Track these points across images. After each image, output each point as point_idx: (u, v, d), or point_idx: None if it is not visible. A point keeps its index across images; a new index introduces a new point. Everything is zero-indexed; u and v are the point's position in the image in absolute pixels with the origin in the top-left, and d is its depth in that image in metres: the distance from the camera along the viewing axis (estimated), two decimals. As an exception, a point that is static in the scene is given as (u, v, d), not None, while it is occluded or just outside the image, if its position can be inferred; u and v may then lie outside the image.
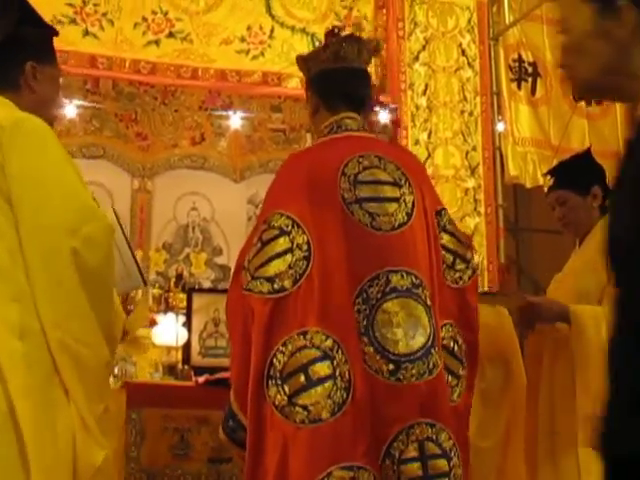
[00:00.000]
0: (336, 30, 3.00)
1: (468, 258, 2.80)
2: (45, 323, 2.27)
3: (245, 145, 9.09)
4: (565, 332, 3.47)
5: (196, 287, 7.21)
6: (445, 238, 2.77)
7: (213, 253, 8.73)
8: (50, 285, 2.29)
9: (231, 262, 8.78)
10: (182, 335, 4.43)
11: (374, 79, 6.46)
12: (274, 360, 2.47)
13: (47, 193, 2.34)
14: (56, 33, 2.72)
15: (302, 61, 3.00)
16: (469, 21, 7.85)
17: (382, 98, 7.35)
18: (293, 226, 2.58)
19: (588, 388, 3.40)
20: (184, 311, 5.03)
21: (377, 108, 3.12)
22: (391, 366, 2.49)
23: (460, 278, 2.75)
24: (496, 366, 3.99)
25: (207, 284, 8.37)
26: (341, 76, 2.90)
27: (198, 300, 4.63)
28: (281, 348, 2.47)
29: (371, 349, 2.49)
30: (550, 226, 6.56)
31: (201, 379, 4.01)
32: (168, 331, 5.28)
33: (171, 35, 7.02)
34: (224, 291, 5.42)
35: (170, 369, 4.54)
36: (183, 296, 6.31)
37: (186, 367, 4.32)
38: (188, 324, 4.57)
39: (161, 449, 3.94)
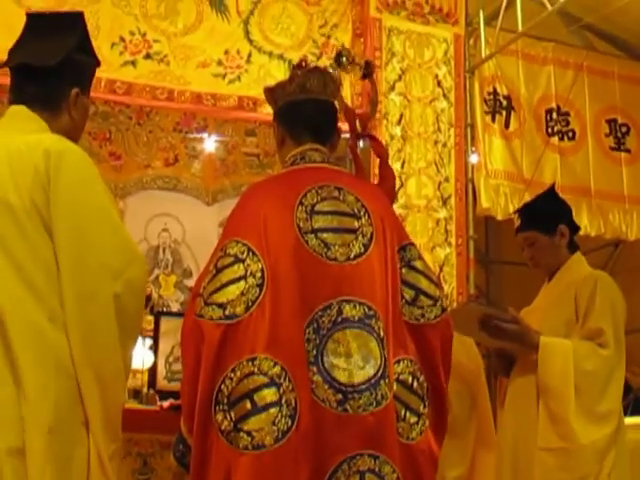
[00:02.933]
0: (304, 63, 3.02)
1: (437, 296, 2.77)
2: (76, 357, 2.26)
3: (219, 168, 9.12)
4: (533, 361, 3.49)
5: (164, 310, 7.17)
6: (407, 273, 2.75)
7: (183, 275, 8.72)
8: (87, 324, 2.28)
9: (200, 284, 8.76)
10: (148, 358, 4.39)
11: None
12: (222, 386, 2.47)
13: (91, 229, 2.35)
14: (99, 64, 2.75)
15: (269, 93, 3.03)
16: (445, 53, 7.89)
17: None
18: (248, 253, 2.59)
19: (549, 420, 3.42)
20: (151, 334, 5.00)
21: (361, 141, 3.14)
22: (339, 396, 2.49)
23: (422, 315, 2.71)
24: (462, 397, 3.99)
25: (176, 306, 8.35)
26: (306, 108, 2.92)
27: (166, 324, 4.61)
28: (230, 374, 2.48)
29: (320, 378, 2.49)
30: (520, 258, 6.59)
31: (166, 404, 3.98)
32: (134, 354, 5.22)
33: (148, 56, 6.99)
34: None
35: (135, 393, 4.51)
36: (151, 318, 6.27)
37: (151, 391, 4.29)
38: (155, 348, 4.54)
39: (124, 474, 3.91)
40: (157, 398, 4.21)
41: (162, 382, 4.40)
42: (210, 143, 8.95)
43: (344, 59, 3.00)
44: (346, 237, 2.66)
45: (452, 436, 3.24)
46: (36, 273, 2.27)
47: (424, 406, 2.66)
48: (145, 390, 4.33)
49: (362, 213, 2.72)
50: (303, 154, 2.86)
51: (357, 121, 3.11)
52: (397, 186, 7.30)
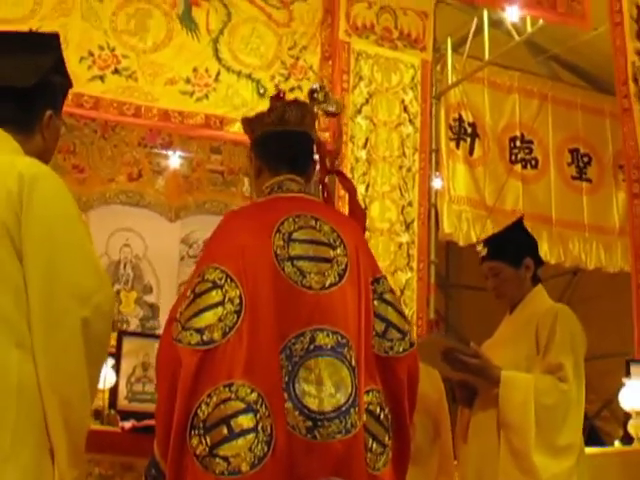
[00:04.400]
0: (281, 94, 3.04)
1: (406, 330, 2.78)
2: (42, 383, 2.23)
3: (182, 185, 9.08)
4: (494, 395, 3.51)
5: (124, 326, 7.13)
6: (379, 306, 2.77)
7: (143, 291, 8.68)
8: (54, 350, 2.25)
9: (161, 301, 8.74)
10: (110, 378, 4.37)
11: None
12: (198, 411, 2.46)
13: (63, 253, 2.31)
14: (72, 85, 2.73)
15: (246, 123, 3.03)
16: (413, 79, 7.95)
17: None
18: (226, 280, 2.60)
19: (511, 454, 3.44)
20: (113, 352, 4.97)
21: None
22: (308, 423, 2.49)
23: (391, 348, 2.71)
24: (426, 427, 4.01)
25: (135, 322, 8.32)
26: (284, 139, 2.93)
27: (128, 344, 4.59)
28: (206, 399, 2.47)
29: (290, 405, 2.50)
30: (479, 283, 6.63)
31: (127, 425, 3.96)
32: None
33: (116, 71, 6.98)
34: (155, 336, 5.40)
35: (96, 413, 4.47)
36: (113, 335, 6.24)
37: (112, 412, 4.27)
38: (117, 367, 4.52)
39: (84, 494, 3.88)
40: (118, 418, 4.20)
41: (123, 402, 4.38)
42: (175, 159, 8.92)
43: (319, 95, 3.02)
44: (321, 266, 2.68)
45: (415, 464, 3.26)
46: (5, 297, 2.25)
47: (388, 437, 2.67)
48: (106, 411, 4.31)
49: (337, 243, 2.74)
50: (280, 184, 2.88)
51: (327, 157, 3.13)
52: (361, 209, 7.32)
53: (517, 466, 3.42)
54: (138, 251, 8.86)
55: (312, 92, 3.06)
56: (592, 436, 7.93)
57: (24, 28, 6.57)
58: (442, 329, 8.55)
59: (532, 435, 3.41)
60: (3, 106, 2.52)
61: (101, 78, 6.95)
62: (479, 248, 3.94)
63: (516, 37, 7.58)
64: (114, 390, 4.45)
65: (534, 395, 3.45)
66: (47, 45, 2.65)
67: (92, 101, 6.88)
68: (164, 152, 8.91)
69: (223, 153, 9.16)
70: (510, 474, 3.42)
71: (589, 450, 4.43)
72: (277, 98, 3.00)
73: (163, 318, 8.68)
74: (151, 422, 3.95)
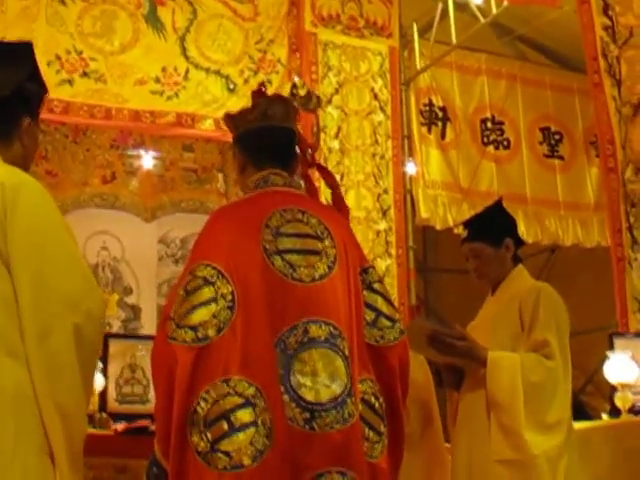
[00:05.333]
0: (263, 89, 3.05)
1: (395, 318, 2.81)
2: (38, 391, 2.25)
3: (157, 184, 9.09)
4: (482, 376, 3.54)
5: (107, 329, 7.11)
6: (368, 295, 2.79)
7: (124, 293, 8.67)
8: (47, 357, 2.26)
9: (141, 302, 8.74)
10: (99, 381, 4.37)
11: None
12: (197, 407, 2.48)
13: (50, 261, 2.32)
14: (47, 93, 2.73)
15: (229, 119, 3.04)
16: (381, 66, 7.96)
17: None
18: (218, 276, 2.62)
19: (501, 433, 3.47)
20: (99, 356, 4.96)
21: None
22: (306, 414, 2.52)
23: (382, 337, 2.75)
24: (416, 411, 4.03)
25: (117, 324, 8.31)
26: (268, 134, 2.95)
27: (114, 346, 4.58)
28: (204, 395, 2.49)
29: (287, 397, 2.52)
30: (457, 266, 6.67)
31: (120, 427, 3.96)
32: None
33: (85, 74, 6.94)
34: (141, 337, 5.41)
35: (88, 417, 4.46)
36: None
37: (104, 415, 4.27)
38: (104, 370, 4.52)
39: (79, 499, 3.87)
40: (110, 421, 4.20)
41: (113, 404, 4.37)
42: (147, 159, 8.93)
43: (299, 91, 3.03)
44: (310, 258, 2.70)
45: (408, 451, 3.29)
46: None
47: (384, 426, 2.71)
48: (97, 414, 4.30)
49: (325, 235, 2.76)
50: (266, 178, 2.89)
51: (307, 150, 3.14)
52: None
53: (508, 444, 3.45)
54: (116, 253, 8.85)
55: (293, 88, 3.07)
56: (579, 411, 7.98)
57: (-11, 35, 6.55)
58: (423, 313, 8.57)
59: (521, 412, 3.44)
60: None
61: (70, 82, 6.91)
62: (459, 230, 3.97)
63: (481, 19, 7.61)
64: (103, 393, 4.45)
65: (521, 373, 3.48)
66: (21, 54, 2.66)
67: (62, 105, 6.85)
68: (136, 153, 8.90)
69: (195, 151, 9.16)
70: (502, 452, 3.45)
71: (578, 425, 4.48)
72: (259, 94, 3.01)
73: (145, 319, 8.70)
74: (143, 423, 3.98)
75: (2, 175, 2.39)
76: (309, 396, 2.53)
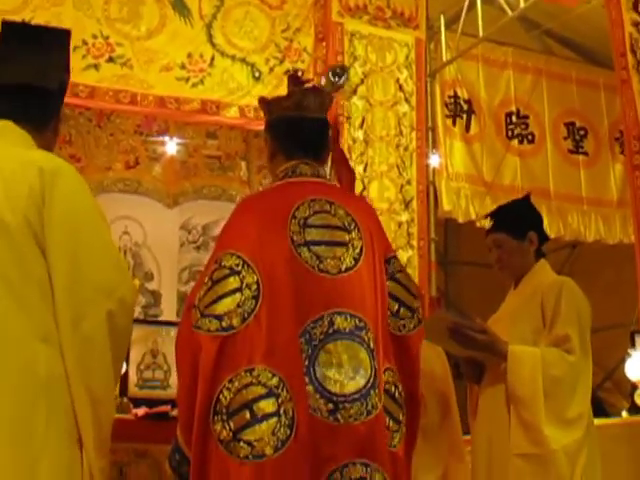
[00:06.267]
0: (299, 73, 3.06)
1: (415, 307, 2.83)
2: (70, 375, 2.27)
3: (179, 171, 9.10)
4: (502, 369, 3.54)
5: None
6: (391, 286, 2.81)
7: (145, 278, 8.69)
8: (80, 342, 2.29)
9: (162, 288, 8.76)
10: (120, 366, 4.38)
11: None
12: (220, 396, 2.50)
13: (86, 247, 2.35)
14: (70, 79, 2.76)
15: (264, 103, 3.06)
16: (407, 57, 7.93)
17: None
18: (243, 266, 2.63)
19: (521, 426, 3.47)
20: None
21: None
22: (330, 406, 2.53)
23: (404, 326, 2.79)
24: (436, 404, 4.04)
25: (137, 310, 8.32)
26: (301, 125, 2.95)
27: (136, 331, 4.60)
28: (227, 385, 2.51)
29: (311, 388, 2.53)
30: (478, 259, 6.65)
31: (140, 412, 3.97)
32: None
33: (111, 60, 6.95)
34: (163, 322, 5.43)
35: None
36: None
37: (124, 399, 4.29)
38: (126, 356, 4.54)
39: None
40: (131, 406, 4.21)
41: (133, 389, 4.40)
42: (171, 146, 8.93)
43: (340, 79, 3.04)
44: (337, 250, 2.71)
45: (426, 442, 3.29)
46: (29, 292, 2.27)
47: (402, 414, 2.73)
48: (118, 399, 4.32)
49: (352, 227, 2.77)
50: (294, 168, 2.90)
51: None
52: (360, 189, 7.35)
53: (528, 438, 3.46)
54: (137, 238, 8.87)
55: (335, 75, 3.08)
56: (597, 407, 7.96)
57: (17, 19, 6.56)
58: (443, 306, 8.57)
59: (541, 407, 3.45)
60: (29, 104, 2.55)
61: (95, 67, 6.91)
62: (484, 222, 3.96)
63: (509, 12, 7.57)
64: (124, 378, 4.47)
65: (542, 368, 3.48)
66: (61, 42, 2.68)
67: (87, 90, 6.85)
68: (160, 139, 8.91)
69: (220, 138, 9.17)
70: (521, 446, 3.46)
71: (597, 421, 4.47)
72: (295, 82, 3.02)
73: (165, 305, 8.72)
74: (164, 408, 4.00)
75: (40, 160, 2.41)
76: (334, 387, 2.54)
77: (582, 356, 3.56)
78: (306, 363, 2.55)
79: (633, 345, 5.46)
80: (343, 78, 3.14)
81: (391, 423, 2.67)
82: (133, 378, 4.41)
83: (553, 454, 3.41)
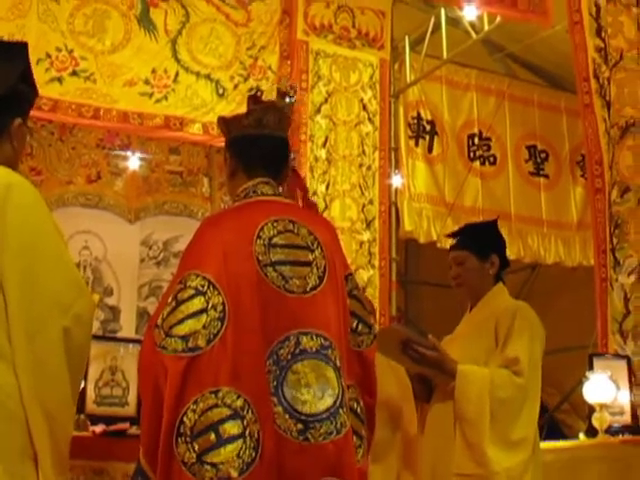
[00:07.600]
0: (258, 93, 3.05)
1: (370, 323, 2.86)
2: (24, 392, 2.23)
3: (141, 186, 9.06)
4: (451, 388, 3.55)
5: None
6: (350, 303, 2.83)
7: (104, 293, 8.63)
8: (35, 359, 2.24)
9: (121, 303, 8.71)
10: (78, 382, 4.33)
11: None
12: (184, 418, 2.47)
13: (41, 262, 2.30)
14: (38, 94, 2.71)
15: (222, 122, 3.03)
16: (371, 77, 7.98)
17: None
18: (209, 287, 2.60)
19: (465, 447, 3.48)
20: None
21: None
22: (300, 426, 2.52)
23: (362, 342, 2.80)
24: (382, 418, 4.02)
25: (96, 325, 8.25)
26: (261, 143, 2.94)
27: (95, 348, 4.53)
28: (192, 406, 2.48)
29: (280, 409, 2.52)
30: (438, 279, 6.67)
31: (98, 429, 3.93)
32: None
33: (74, 73, 6.92)
34: (122, 340, 5.36)
35: (66, 418, 4.41)
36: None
37: (82, 416, 4.23)
38: (84, 372, 4.48)
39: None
40: (88, 423, 4.16)
41: (91, 406, 4.32)
42: (133, 160, 8.90)
43: (291, 98, 3.04)
44: (302, 270, 2.71)
45: (375, 460, 3.29)
46: None
47: (365, 429, 2.74)
48: (75, 416, 4.26)
49: (315, 246, 2.77)
50: (255, 187, 2.88)
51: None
52: (322, 208, 7.36)
53: (471, 459, 3.46)
54: (97, 253, 8.81)
55: (283, 94, 3.08)
56: (554, 429, 8.02)
57: (-19, 30, 6.53)
58: (402, 324, 8.58)
59: (487, 428, 3.45)
60: None
61: (59, 80, 6.88)
62: (445, 242, 3.98)
63: (473, 35, 7.64)
64: (82, 395, 4.40)
65: (489, 389, 3.49)
66: (16, 54, 2.64)
67: (50, 103, 6.82)
68: (123, 153, 8.88)
69: (182, 154, 9.15)
70: (464, 467, 3.46)
71: (555, 444, 4.48)
72: (254, 100, 3.01)
73: (124, 320, 8.66)
74: (122, 426, 3.95)
75: None
76: (303, 407, 2.54)
77: (531, 379, 3.57)
78: (274, 384, 2.54)
79: (591, 368, 5.49)
80: (292, 98, 3.12)
81: (355, 439, 2.67)
82: (91, 395, 4.33)
83: (495, 476, 3.41)
